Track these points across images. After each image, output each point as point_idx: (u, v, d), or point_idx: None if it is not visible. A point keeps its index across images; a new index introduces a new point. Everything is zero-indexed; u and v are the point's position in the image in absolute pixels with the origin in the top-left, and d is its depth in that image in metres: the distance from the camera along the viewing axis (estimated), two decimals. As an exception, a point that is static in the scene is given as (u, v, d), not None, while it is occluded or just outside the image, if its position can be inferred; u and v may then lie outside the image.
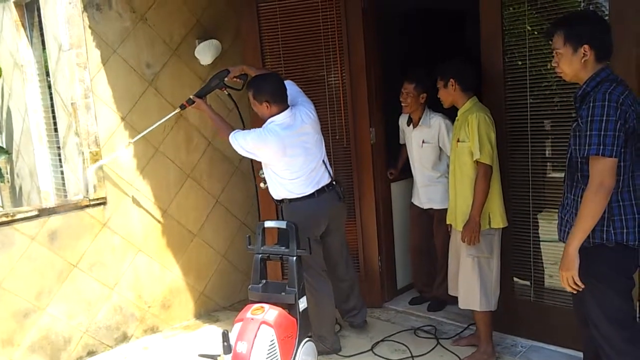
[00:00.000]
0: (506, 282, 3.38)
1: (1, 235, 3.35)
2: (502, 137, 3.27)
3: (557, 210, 2.48)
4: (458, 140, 3.20)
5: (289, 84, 3.44)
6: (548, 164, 3.38)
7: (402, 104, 3.89)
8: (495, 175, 3.15)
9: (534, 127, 3.30)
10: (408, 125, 4.02)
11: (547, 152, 3.37)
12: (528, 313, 3.45)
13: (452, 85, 3.20)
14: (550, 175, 3.36)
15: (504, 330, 3.51)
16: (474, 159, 3.10)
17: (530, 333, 3.45)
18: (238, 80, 3.65)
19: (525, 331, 3.47)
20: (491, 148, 3.08)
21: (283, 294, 3.14)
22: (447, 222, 3.40)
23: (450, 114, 3.66)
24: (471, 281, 3.19)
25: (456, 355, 3.37)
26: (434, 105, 3.84)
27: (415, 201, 4.10)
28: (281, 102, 3.32)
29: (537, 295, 3.44)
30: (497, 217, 3.16)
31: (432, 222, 4.02)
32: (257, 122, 3.53)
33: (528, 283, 3.47)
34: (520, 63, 3.31)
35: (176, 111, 3.69)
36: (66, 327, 3.65)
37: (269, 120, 3.31)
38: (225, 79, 3.59)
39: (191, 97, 3.57)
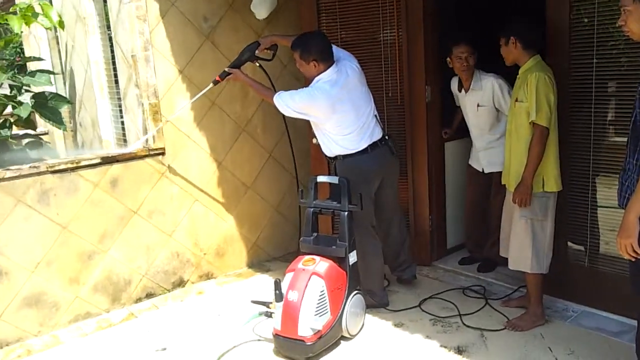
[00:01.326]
0: (560, 246, 3.32)
1: (67, 181, 3.53)
2: (565, 97, 3.16)
3: (617, 176, 2.40)
4: (516, 100, 3.11)
5: None
6: (611, 127, 3.25)
7: (462, 69, 3.76)
8: (553, 138, 3.06)
9: (599, 88, 3.17)
10: (459, 90, 3.93)
11: (611, 114, 3.24)
12: (581, 278, 3.40)
13: (513, 43, 3.09)
14: (612, 139, 3.24)
15: (556, 294, 3.47)
16: (530, 121, 3.01)
17: (582, 298, 3.41)
18: (268, 51, 3.67)
19: (577, 296, 3.43)
20: (549, 110, 2.98)
21: (334, 247, 3.22)
22: (502, 183, 3.35)
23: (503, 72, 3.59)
24: (523, 243, 3.16)
25: (505, 316, 3.37)
26: (485, 65, 3.77)
27: (474, 164, 4.04)
28: (328, 59, 3.30)
29: (592, 261, 3.37)
30: (551, 181, 3.10)
31: (490, 183, 3.97)
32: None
33: (583, 248, 3.41)
34: (586, 20, 3.16)
35: (209, 87, 3.69)
36: (127, 269, 3.85)
37: (316, 79, 3.30)
38: (256, 51, 3.61)
39: (226, 69, 3.59)
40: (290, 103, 3.30)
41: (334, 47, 3.41)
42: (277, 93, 3.37)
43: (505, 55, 3.19)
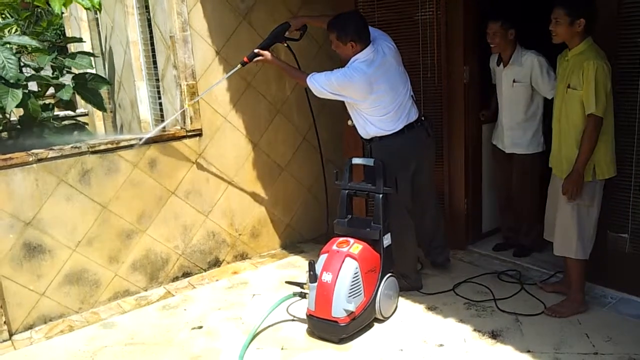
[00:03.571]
0: (600, 232, 3.23)
1: (107, 161, 3.60)
2: (611, 80, 3.04)
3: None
4: (568, 87, 2.97)
5: None
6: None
7: (490, 45, 3.74)
8: (608, 125, 2.94)
9: (646, 70, 3.05)
10: (498, 64, 3.85)
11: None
12: (621, 265, 3.32)
13: (579, 25, 2.90)
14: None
15: (594, 281, 3.39)
16: (588, 113, 2.88)
17: (621, 285, 3.34)
18: (297, 31, 3.65)
19: (616, 283, 3.36)
20: (606, 99, 2.86)
21: (368, 229, 3.22)
22: (550, 166, 3.26)
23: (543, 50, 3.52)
24: (568, 228, 3.09)
25: (541, 301, 3.33)
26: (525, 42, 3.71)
27: (498, 144, 3.98)
28: (366, 40, 3.25)
29: (633, 247, 3.28)
30: (602, 168, 2.99)
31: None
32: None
33: (624, 234, 3.32)
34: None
35: (237, 68, 3.62)
36: (164, 249, 3.93)
37: (352, 59, 3.26)
38: (286, 32, 3.59)
39: (255, 50, 3.53)
40: (325, 84, 3.27)
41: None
42: (310, 75, 3.34)
43: (561, 34, 2.97)
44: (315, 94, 3.36)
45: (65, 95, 4.24)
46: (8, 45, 3.84)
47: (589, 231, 3.10)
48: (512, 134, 3.85)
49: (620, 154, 3.16)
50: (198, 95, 3.87)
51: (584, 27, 2.91)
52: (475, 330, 3.10)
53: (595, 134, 2.90)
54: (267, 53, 3.53)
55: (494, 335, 3.03)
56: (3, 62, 3.68)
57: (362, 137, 3.52)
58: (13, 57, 3.75)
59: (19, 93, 3.72)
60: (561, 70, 3.10)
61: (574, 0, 2.94)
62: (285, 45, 3.68)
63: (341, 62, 3.39)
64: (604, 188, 3.10)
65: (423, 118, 3.47)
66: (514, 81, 3.74)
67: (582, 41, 2.95)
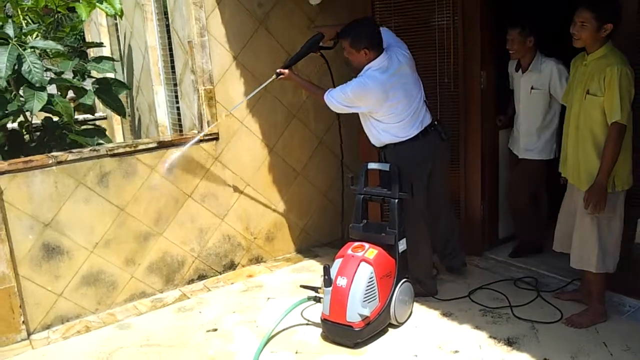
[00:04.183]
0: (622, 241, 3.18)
1: (125, 164, 3.65)
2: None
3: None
4: (588, 93, 2.86)
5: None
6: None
7: (509, 51, 3.74)
8: (628, 134, 2.84)
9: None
10: (517, 70, 3.84)
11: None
12: (640, 273, 3.28)
13: (606, 31, 2.79)
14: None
15: (612, 289, 3.32)
16: (613, 121, 2.76)
17: (640, 293, 3.29)
18: (330, 41, 3.66)
19: (635, 291, 3.30)
20: (630, 107, 2.76)
21: (383, 234, 3.21)
22: (562, 175, 3.19)
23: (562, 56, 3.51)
24: (588, 241, 2.99)
25: (558, 309, 3.29)
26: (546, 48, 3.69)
27: (514, 149, 3.98)
28: (379, 47, 3.25)
29: (653, 255, 3.24)
30: (622, 179, 2.90)
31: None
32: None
33: (643, 242, 3.27)
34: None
35: (272, 79, 3.65)
36: (180, 251, 3.95)
37: (366, 67, 3.26)
38: (320, 42, 3.61)
39: (277, 70, 3.57)
40: (341, 97, 3.28)
41: (384, 32, 3.36)
42: (328, 91, 3.36)
43: (585, 38, 2.85)
44: (333, 109, 3.38)
45: (88, 99, 4.31)
46: (31, 49, 3.91)
47: (610, 244, 3.00)
48: (527, 139, 3.83)
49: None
50: (216, 101, 3.91)
51: (611, 32, 2.80)
52: (490, 337, 3.08)
53: (619, 142, 2.79)
54: (286, 71, 3.55)
55: (509, 343, 3.00)
56: (29, 66, 3.75)
57: (374, 146, 3.52)
58: (38, 62, 3.83)
59: (44, 95, 3.79)
60: (578, 75, 3.00)
61: (603, 3, 2.80)
62: (319, 54, 3.70)
63: (353, 71, 3.39)
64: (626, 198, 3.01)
65: (436, 122, 3.46)
66: (532, 88, 3.73)
67: (603, 46, 2.84)
